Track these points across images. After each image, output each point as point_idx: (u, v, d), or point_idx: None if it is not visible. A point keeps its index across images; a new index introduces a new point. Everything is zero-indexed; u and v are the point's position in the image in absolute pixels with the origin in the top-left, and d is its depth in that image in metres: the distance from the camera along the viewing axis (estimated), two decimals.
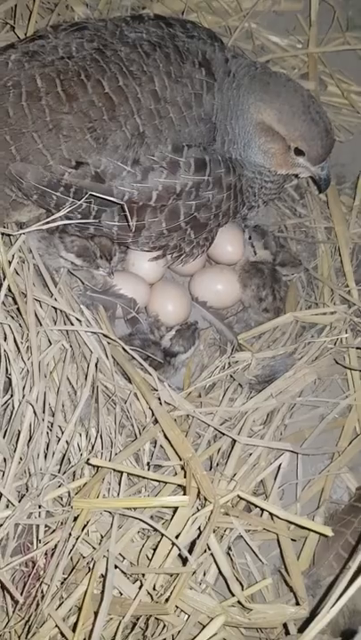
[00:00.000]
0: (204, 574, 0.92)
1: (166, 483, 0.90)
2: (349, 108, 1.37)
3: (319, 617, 0.64)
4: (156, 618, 0.87)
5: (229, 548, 0.92)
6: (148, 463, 0.93)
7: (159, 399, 0.98)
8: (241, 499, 0.90)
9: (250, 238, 1.22)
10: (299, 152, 1.07)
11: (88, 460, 0.86)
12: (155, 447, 0.98)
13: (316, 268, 1.27)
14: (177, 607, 0.87)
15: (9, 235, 1.05)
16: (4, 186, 1.01)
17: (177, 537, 0.85)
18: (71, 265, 1.10)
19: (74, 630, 0.83)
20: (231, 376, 1.08)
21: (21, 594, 0.82)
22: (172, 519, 0.86)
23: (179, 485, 0.92)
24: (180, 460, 0.91)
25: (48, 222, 0.92)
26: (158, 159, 1.00)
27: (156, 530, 0.89)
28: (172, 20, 1.12)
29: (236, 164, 1.08)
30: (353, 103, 1.35)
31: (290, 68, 1.37)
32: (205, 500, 0.87)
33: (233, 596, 0.86)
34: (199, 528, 0.88)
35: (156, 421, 0.97)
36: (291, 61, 1.39)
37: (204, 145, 1.04)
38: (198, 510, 0.87)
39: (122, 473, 0.92)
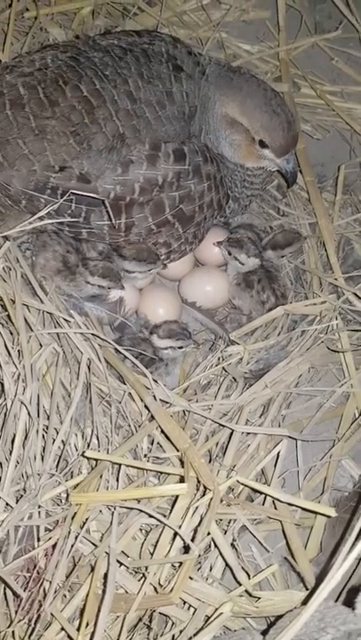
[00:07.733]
0: (211, 569, 0.90)
1: (162, 473, 0.89)
2: (324, 107, 1.40)
3: (323, 585, 0.63)
4: (161, 614, 0.85)
5: (234, 540, 0.91)
6: (145, 455, 0.92)
7: (154, 396, 0.98)
8: (241, 484, 0.89)
9: (229, 254, 1.20)
10: (263, 144, 1.10)
11: (84, 452, 0.84)
12: (152, 445, 0.97)
13: (303, 264, 1.28)
14: (183, 601, 0.85)
15: None
16: None
17: (179, 527, 0.84)
18: (98, 289, 1.11)
19: (78, 630, 0.80)
20: (225, 369, 1.07)
21: (23, 597, 0.80)
22: (171, 510, 0.85)
23: (179, 480, 0.91)
24: (178, 452, 0.91)
25: (33, 221, 0.94)
26: (136, 157, 1.02)
27: (157, 524, 0.88)
28: (139, 31, 1.16)
29: (215, 156, 1.11)
30: (328, 102, 1.38)
31: (263, 74, 1.40)
32: (206, 489, 0.86)
33: (240, 585, 0.84)
34: (201, 519, 0.87)
35: (151, 419, 0.97)
36: (263, 67, 1.42)
37: (181, 140, 1.06)
38: (199, 500, 0.86)
39: (119, 471, 0.91)
